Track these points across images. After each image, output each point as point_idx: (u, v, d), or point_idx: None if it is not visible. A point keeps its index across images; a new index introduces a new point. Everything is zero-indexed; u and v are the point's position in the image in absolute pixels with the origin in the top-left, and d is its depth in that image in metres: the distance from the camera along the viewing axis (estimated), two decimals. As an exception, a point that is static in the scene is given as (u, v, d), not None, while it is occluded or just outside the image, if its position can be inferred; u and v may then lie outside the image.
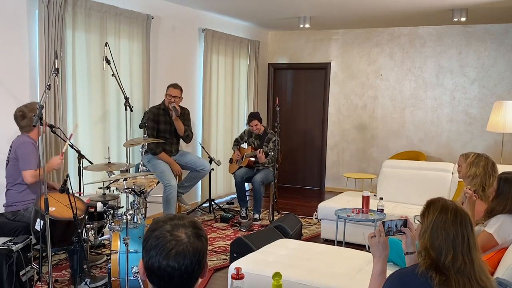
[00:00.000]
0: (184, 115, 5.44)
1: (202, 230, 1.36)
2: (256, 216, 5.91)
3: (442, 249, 1.76)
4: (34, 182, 3.69)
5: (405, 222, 2.16)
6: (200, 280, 1.37)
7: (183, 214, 1.40)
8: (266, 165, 5.93)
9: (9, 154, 3.81)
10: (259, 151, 5.75)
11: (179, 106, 5.31)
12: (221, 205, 6.52)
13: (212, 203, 6.30)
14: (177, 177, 5.54)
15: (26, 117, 3.75)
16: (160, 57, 5.84)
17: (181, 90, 5.32)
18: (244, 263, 3.21)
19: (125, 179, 3.46)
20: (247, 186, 6.41)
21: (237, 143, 6.33)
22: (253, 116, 6.06)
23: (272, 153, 5.74)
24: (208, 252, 5.01)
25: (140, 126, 4.96)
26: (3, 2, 4.06)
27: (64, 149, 4.15)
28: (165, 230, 1.31)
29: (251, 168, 6.05)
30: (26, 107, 3.78)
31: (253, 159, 5.99)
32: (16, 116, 3.78)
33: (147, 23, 5.43)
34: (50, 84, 3.62)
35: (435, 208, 1.85)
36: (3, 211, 3.79)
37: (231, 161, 6.35)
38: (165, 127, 5.31)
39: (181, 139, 5.52)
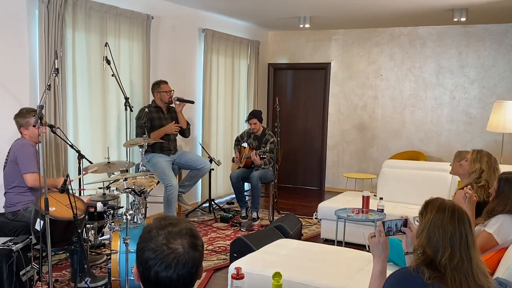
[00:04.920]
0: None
1: (199, 239, 1.35)
2: (255, 215, 5.82)
3: (439, 246, 1.77)
4: (36, 186, 3.68)
5: (405, 222, 2.16)
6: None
7: (177, 218, 1.38)
8: (263, 167, 5.90)
9: (7, 156, 3.80)
10: (253, 154, 5.72)
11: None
12: (221, 205, 6.52)
13: (212, 203, 6.30)
14: (177, 176, 5.54)
15: (19, 124, 3.78)
16: (160, 57, 5.84)
17: None
18: (244, 263, 3.21)
19: (125, 179, 3.47)
20: (246, 186, 6.40)
21: (237, 142, 6.32)
22: (253, 115, 6.01)
23: (266, 156, 5.71)
24: (208, 252, 5.00)
25: (141, 126, 4.92)
26: (3, 2, 4.06)
27: (74, 178, 4.16)
28: (161, 243, 1.29)
29: (249, 168, 6.03)
30: (18, 116, 3.78)
31: (250, 159, 5.98)
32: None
33: (147, 23, 5.43)
34: (50, 84, 3.63)
35: (433, 207, 1.87)
36: (3, 211, 3.79)
37: (233, 160, 6.34)
38: (160, 123, 5.27)
39: (180, 135, 5.51)
